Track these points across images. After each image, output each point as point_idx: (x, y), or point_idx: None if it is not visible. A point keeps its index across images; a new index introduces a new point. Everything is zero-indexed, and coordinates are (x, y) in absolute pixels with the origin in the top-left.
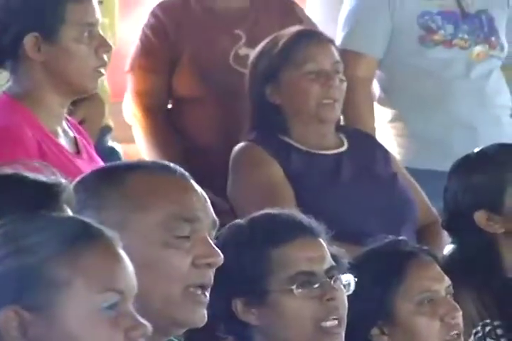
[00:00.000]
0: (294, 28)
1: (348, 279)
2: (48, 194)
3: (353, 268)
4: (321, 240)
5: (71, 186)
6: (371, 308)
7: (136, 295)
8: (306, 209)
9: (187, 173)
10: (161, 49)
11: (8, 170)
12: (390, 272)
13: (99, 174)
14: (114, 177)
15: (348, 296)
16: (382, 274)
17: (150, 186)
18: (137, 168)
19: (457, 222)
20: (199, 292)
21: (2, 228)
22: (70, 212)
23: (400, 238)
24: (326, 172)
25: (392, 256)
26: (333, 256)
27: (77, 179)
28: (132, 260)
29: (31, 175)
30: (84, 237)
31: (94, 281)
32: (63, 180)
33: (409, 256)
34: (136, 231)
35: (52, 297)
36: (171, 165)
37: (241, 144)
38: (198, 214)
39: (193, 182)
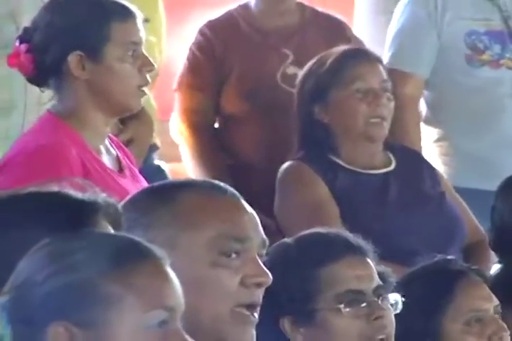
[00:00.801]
0: (342, 47)
1: (396, 298)
2: (90, 212)
3: (402, 287)
4: (369, 259)
5: (117, 204)
6: (419, 327)
7: (186, 313)
8: (353, 228)
9: (237, 193)
10: (208, 67)
11: (51, 188)
12: (440, 291)
13: (149, 193)
14: (165, 196)
15: (396, 315)
16: (431, 293)
17: (201, 205)
18: (188, 186)
19: (504, 241)
20: (248, 312)
21: (47, 246)
22: (111, 230)
23: (449, 257)
24: (373, 192)
25: (442, 275)
26: (380, 275)
27: (127, 198)
28: (181, 278)
29: (73, 192)
30: (134, 255)
31: (144, 299)
32: (105, 198)
33: (458, 275)
34: (186, 249)
35: (102, 314)
36: (222, 184)
37: (288, 163)
38: (249, 234)
39: (243, 201)
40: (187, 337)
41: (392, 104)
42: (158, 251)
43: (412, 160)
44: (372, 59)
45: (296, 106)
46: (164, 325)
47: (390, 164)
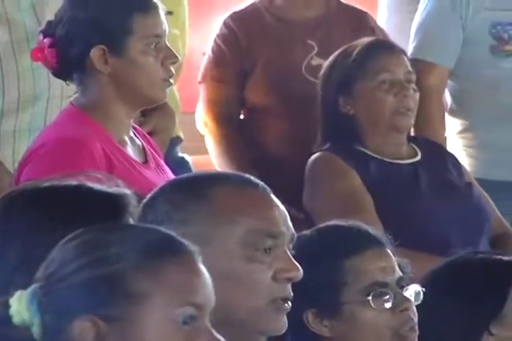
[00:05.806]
0: (367, 39)
1: (417, 289)
2: (115, 205)
3: (437, 277)
4: (389, 251)
5: (134, 197)
6: (485, 312)
7: (217, 308)
8: (387, 218)
9: (267, 187)
10: (232, 59)
11: (73, 182)
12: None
13: (181, 186)
14: (198, 190)
15: (457, 303)
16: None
17: (235, 201)
18: (221, 181)
19: None
20: (282, 304)
21: (80, 237)
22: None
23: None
24: (404, 182)
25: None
26: (398, 267)
27: (155, 190)
28: (215, 274)
29: (97, 186)
30: (166, 250)
31: (174, 295)
32: (128, 191)
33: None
34: (221, 245)
35: (131, 308)
36: (252, 178)
37: (317, 154)
38: (281, 229)
39: (273, 195)
40: (215, 333)
41: (417, 95)
42: (190, 246)
43: (435, 151)
44: (396, 50)
45: (320, 97)
46: (192, 321)
47: (415, 155)
